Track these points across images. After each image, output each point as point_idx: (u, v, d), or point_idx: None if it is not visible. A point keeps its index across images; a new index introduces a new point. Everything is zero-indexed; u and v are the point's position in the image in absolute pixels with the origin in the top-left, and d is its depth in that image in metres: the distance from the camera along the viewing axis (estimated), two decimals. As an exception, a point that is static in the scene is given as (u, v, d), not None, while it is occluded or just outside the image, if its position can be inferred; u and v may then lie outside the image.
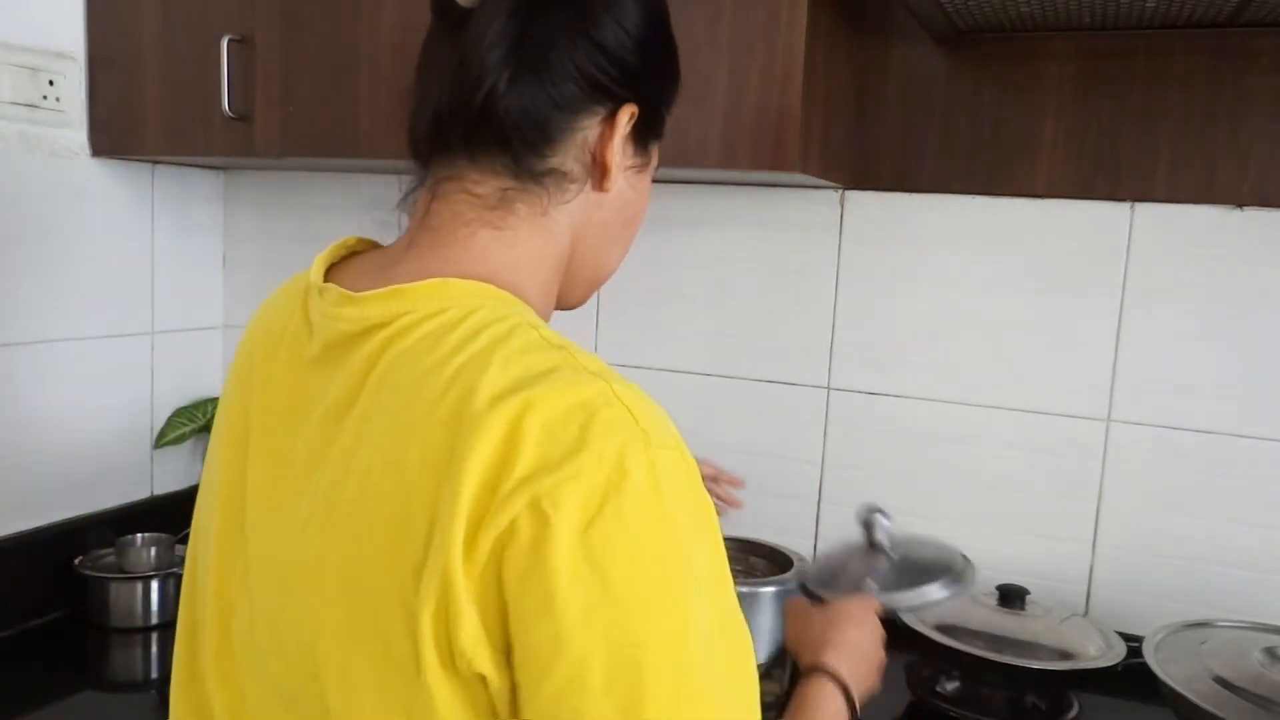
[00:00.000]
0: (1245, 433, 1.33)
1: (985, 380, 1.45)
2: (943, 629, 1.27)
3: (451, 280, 0.67)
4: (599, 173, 0.72)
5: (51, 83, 1.58)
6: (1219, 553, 1.35)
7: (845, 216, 1.50)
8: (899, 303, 1.48)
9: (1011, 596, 1.31)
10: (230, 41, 1.46)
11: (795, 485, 1.56)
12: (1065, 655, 1.23)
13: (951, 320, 1.46)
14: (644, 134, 0.75)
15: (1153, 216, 1.35)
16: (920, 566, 1.08)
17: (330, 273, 0.74)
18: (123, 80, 1.60)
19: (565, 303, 0.79)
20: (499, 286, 0.69)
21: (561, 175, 0.71)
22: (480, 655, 0.56)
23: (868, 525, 1.11)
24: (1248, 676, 1.09)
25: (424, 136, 0.73)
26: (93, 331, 1.66)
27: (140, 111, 1.58)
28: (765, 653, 1.25)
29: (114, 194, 1.69)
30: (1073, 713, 1.26)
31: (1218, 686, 1.09)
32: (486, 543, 0.55)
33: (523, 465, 0.55)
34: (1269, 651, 1.13)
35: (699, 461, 0.71)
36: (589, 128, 0.71)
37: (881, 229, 1.49)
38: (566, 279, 0.77)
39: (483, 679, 0.57)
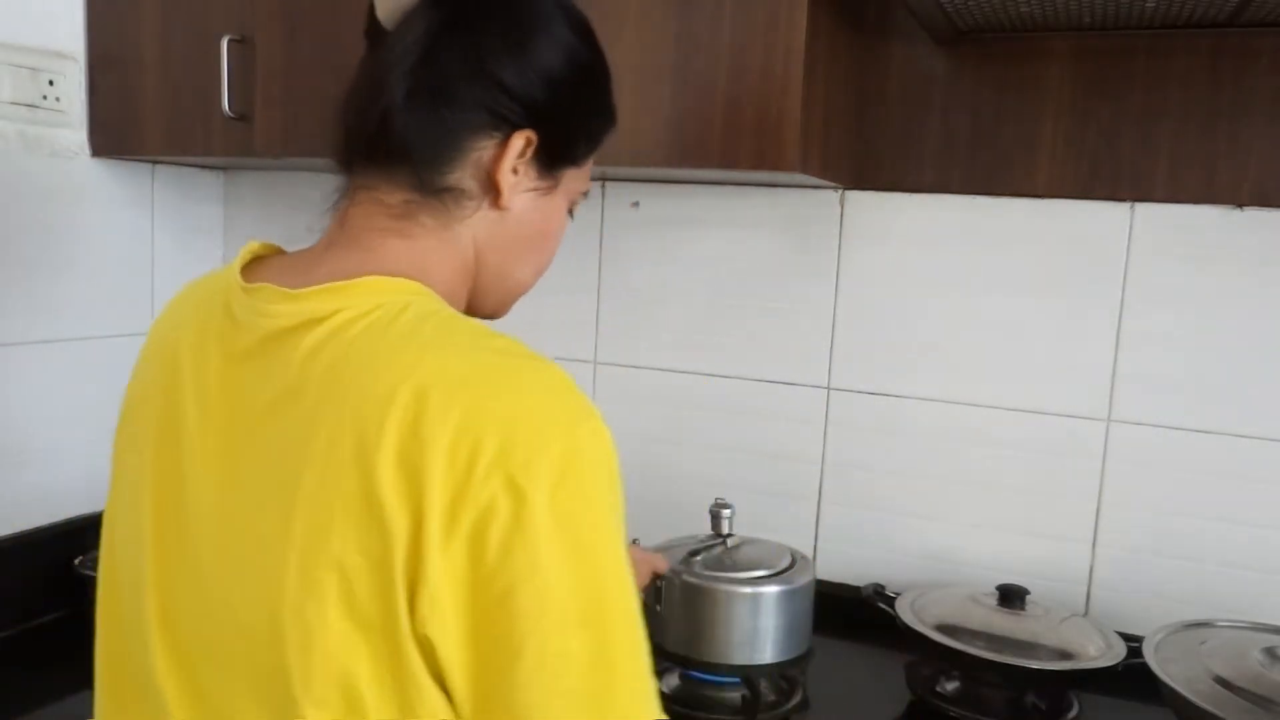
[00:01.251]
0: (1245, 433, 1.33)
1: (985, 380, 1.45)
2: (943, 629, 1.27)
3: (380, 279, 0.73)
4: (494, 192, 0.78)
5: (51, 83, 1.58)
6: (1219, 553, 1.35)
7: (845, 216, 1.50)
8: (899, 303, 1.48)
9: (1011, 596, 1.31)
10: (230, 41, 1.46)
11: (795, 485, 1.56)
12: (1065, 655, 1.23)
13: (951, 320, 1.46)
14: (549, 159, 0.80)
15: (1153, 216, 1.35)
16: (744, 560, 1.28)
17: (247, 276, 0.79)
18: (123, 80, 1.60)
19: (478, 311, 0.86)
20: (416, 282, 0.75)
21: (460, 192, 0.78)
22: (434, 620, 0.62)
23: (714, 516, 1.32)
24: (1248, 676, 1.09)
25: (342, 147, 0.80)
26: (93, 331, 1.66)
27: (140, 111, 1.58)
28: (770, 653, 1.25)
29: (114, 194, 1.69)
30: (1073, 713, 1.26)
31: (1218, 686, 1.09)
32: (466, 520, 0.62)
33: (491, 446, 0.62)
34: (1269, 651, 1.13)
35: None
36: (484, 149, 0.77)
37: (881, 229, 1.49)
38: (476, 289, 0.83)
39: (429, 641, 0.63)
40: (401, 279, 0.74)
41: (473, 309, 0.85)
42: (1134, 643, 1.22)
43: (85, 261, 1.63)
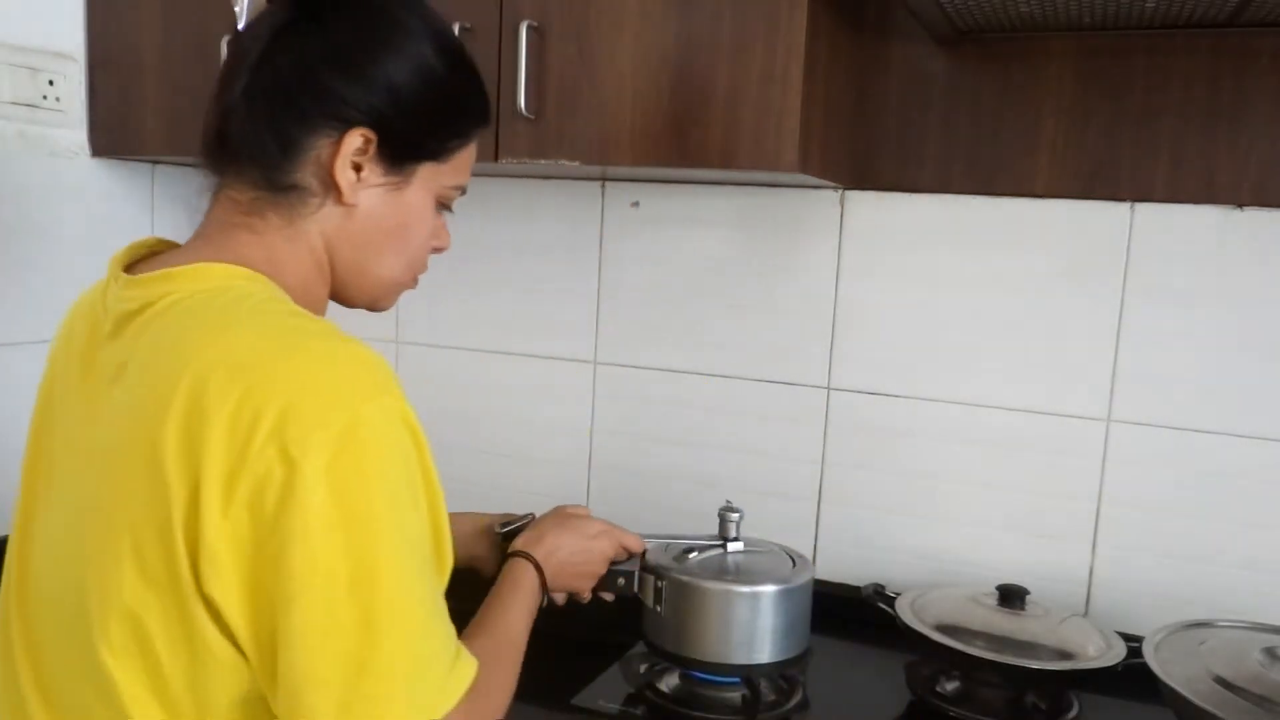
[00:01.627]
0: (1245, 433, 1.33)
1: (985, 380, 1.45)
2: (943, 629, 1.27)
3: (214, 264, 0.78)
4: (335, 189, 0.81)
5: (51, 83, 1.58)
6: (1219, 553, 1.35)
7: (845, 216, 1.50)
8: (899, 302, 1.48)
9: (1011, 596, 1.31)
10: (230, 42, 1.46)
11: (795, 485, 1.56)
12: (1065, 655, 1.23)
13: (951, 320, 1.46)
14: (395, 157, 0.83)
15: (1153, 216, 1.35)
16: (744, 560, 1.28)
17: (136, 268, 0.83)
18: (123, 80, 1.60)
19: (348, 303, 0.90)
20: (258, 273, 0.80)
21: (304, 189, 0.81)
22: (214, 580, 0.67)
23: (722, 519, 1.30)
24: (1248, 676, 1.09)
25: (201, 147, 0.85)
26: (93, 331, 1.66)
27: (140, 111, 1.58)
28: (770, 653, 1.25)
29: (114, 194, 1.69)
30: (1073, 713, 1.26)
31: (1218, 686, 1.09)
32: (244, 488, 0.66)
33: (270, 418, 0.66)
34: (1269, 651, 1.13)
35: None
36: (322, 147, 0.80)
37: (881, 229, 1.49)
38: (337, 281, 0.87)
39: (212, 599, 0.68)
40: (234, 266, 0.78)
41: (342, 302, 0.90)
42: (1134, 643, 1.22)
43: (85, 262, 1.62)
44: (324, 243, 0.84)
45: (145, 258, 0.85)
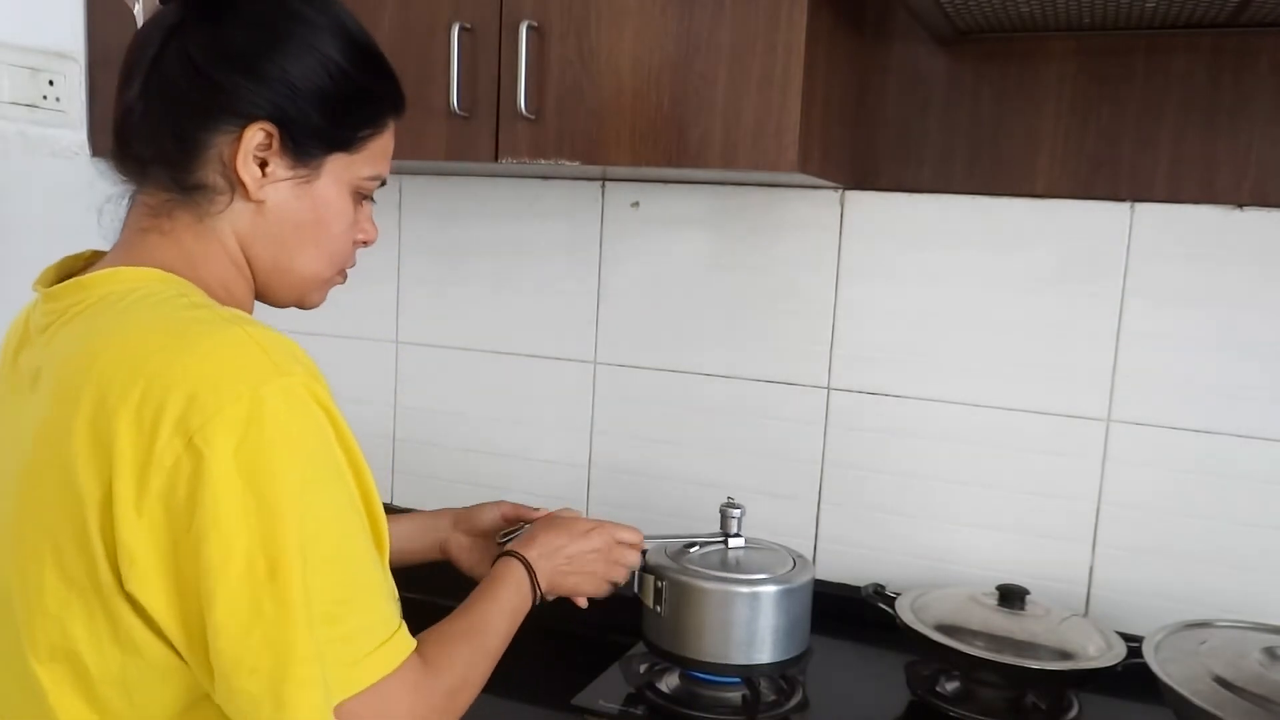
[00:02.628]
0: (1245, 433, 1.33)
1: (985, 380, 1.45)
2: (943, 629, 1.27)
3: (123, 269, 0.79)
4: (240, 185, 0.81)
5: (51, 83, 1.58)
6: (1219, 553, 1.35)
7: (845, 216, 1.50)
8: (899, 303, 1.48)
9: (1011, 596, 1.31)
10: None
11: (795, 485, 1.56)
12: (1065, 655, 1.23)
13: (951, 320, 1.46)
14: (301, 149, 0.82)
15: (1153, 216, 1.35)
16: (744, 560, 1.29)
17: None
18: (123, 80, 1.60)
19: (273, 302, 0.90)
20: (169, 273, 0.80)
21: (209, 188, 0.81)
22: (135, 578, 0.67)
23: (724, 515, 1.31)
24: (1248, 676, 1.09)
25: (110, 151, 0.85)
26: (93, 331, 1.66)
27: (140, 111, 1.58)
28: (770, 653, 1.25)
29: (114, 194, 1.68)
30: (1073, 713, 1.26)
31: (1218, 686, 1.09)
32: (156, 483, 0.67)
33: (174, 410, 0.67)
34: (1269, 651, 1.13)
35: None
36: (223, 145, 0.80)
37: (882, 229, 1.48)
38: (258, 280, 0.87)
39: (135, 598, 0.68)
40: (146, 269, 0.79)
41: (269, 301, 0.89)
42: (1134, 643, 1.22)
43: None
44: (238, 241, 0.83)
45: (80, 270, 0.85)
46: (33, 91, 1.56)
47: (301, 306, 0.91)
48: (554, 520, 1.14)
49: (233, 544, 0.67)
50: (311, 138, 0.82)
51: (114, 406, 0.68)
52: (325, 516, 0.71)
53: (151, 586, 0.68)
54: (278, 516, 0.68)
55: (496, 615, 0.96)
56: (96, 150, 1.64)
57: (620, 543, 1.15)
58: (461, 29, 1.33)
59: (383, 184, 0.91)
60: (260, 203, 0.82)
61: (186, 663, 0.70)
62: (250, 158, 0.80)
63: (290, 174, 0.82)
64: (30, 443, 0.73)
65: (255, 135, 0.80)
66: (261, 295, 0.88)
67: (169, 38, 0.80)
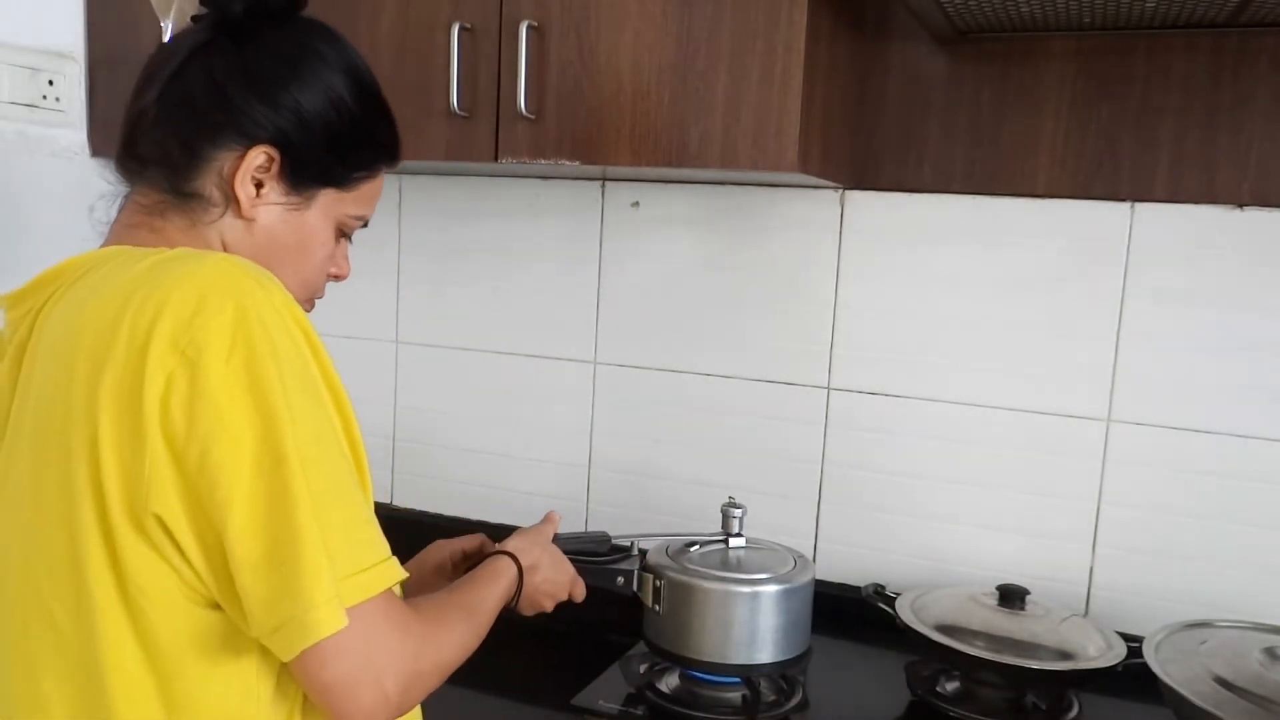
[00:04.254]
0: (1245, 433, 1.33)
1: (985, 380, 1.45)
2: (943, 629, 1.27)
3: (102, 249, 0.83)
4: (235, 201, 0.84)
5: (51, 83, 1.58)
6: (1219, 553, 1.35)
7: (845, 216, 1.50)
8: (899, 302, 1.48)
9: (1011, 596, 1.31)
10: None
11: (795, 485, 1.56)
12: (1065, 655, 1.23)
13: (951, 320, 1.46)
14: (296, 179, 0.86)
15: (1153, 216, 1.35)
16: (744, 560, 1.29)
17: None
18: (123, 80, 1.58)
19: None
20: None
21: (204, 198, 0.84)
22: (157, 498, 0.69)
23: (725, 515, 1.32)
24: (1248, 676, 1.09)
25: (116, 153, 0.88)
26: (93, 331, 1.66)
27: (140, 111, 1.58)
28: (770, 653, 1.25)
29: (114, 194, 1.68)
30: (1073, 713, 1.26)
31: (1218, 686, 1.09)
32: (153, 398, 0.69)
33: (162, 329, 0.70)
34: (1269, 651, 1.13)
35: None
36: (225, 160, 0.83)
37: (881, 229, 1.48)
38: None
39: (160, 521, 0.70)
40: (123, 247, 0.82)
41: None
42: (1134, 643, 1.22)
43: (85, 261, 1.62)
44: (224, 249, 0.85)
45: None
46: (33, 91, 1.56)
47: None
48: (542, 540, 1.14)
49: (240, 444, 0.69)
50: (310, 168, 0.86)
51: (105, 343, 0.71)
52: (310, 428, 0.72)
53: (169, 504, 0.70)
54: (275, 417, 0.70)
55: (490, 604, 0.97)
56: (96, 150, 1.64)
57: (574, 585, 1.15)
58: (461, 29, 1.33)
59: (364, 225, 0.94)
60: (251, 220, 0.85)
61: (204, 582, 0.72)
62: (249, 177, 0.83)
63: (283, 199, 0.86)
64: (32, 411, 0.76)
65: (258, 157, 0.83)
66: None
67: (195, 54, 0.84)
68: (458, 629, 0.87)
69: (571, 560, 1.15)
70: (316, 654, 0.70)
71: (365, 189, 0.91)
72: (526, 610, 1.09)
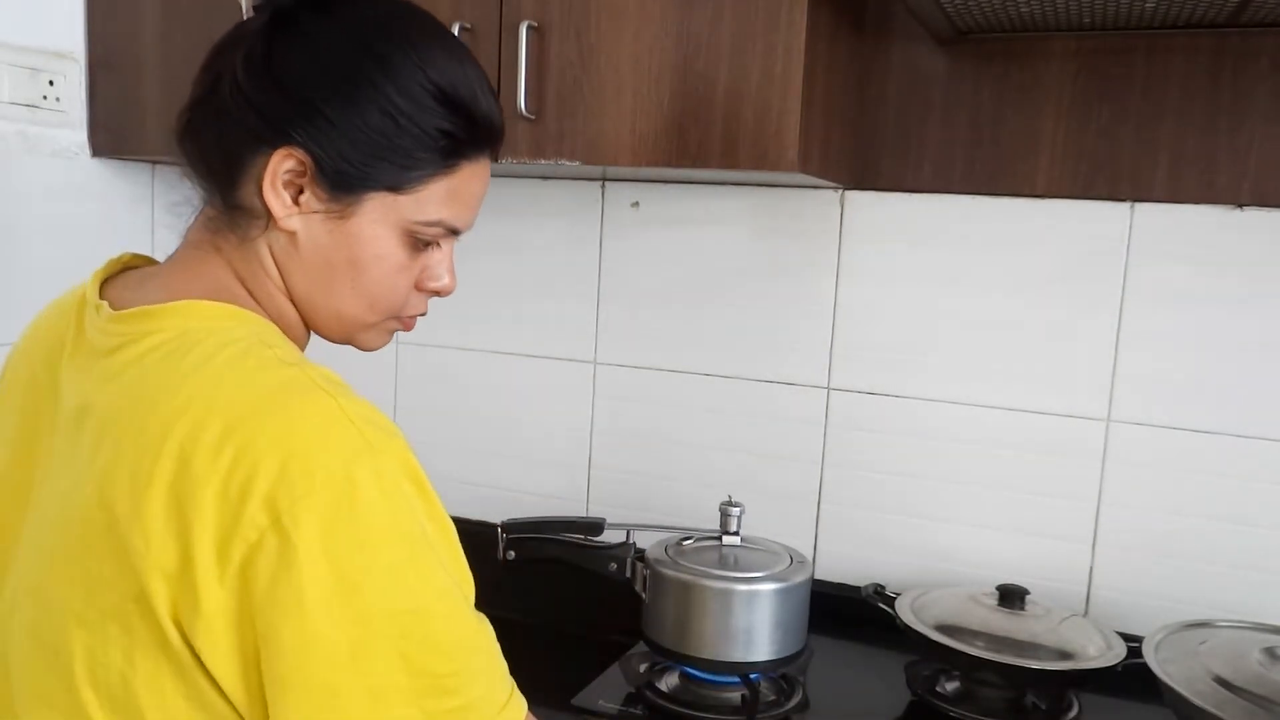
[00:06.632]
0: (1245, 433, 1.33)
1: (985, 380, 1.45)
2: (943, 629, 1.27)
3: (198, 302, 0.74)
4: (270, 211, 0.77)
5: (51, 83, 1.58)
6: (1219, 553, 1.35)
7: (845, 216, 1.50)
8: (899, 303, 1.48)
9: (1011, 596, 1.31)
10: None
11: (795, 485, 1.56)
12: (1065, 655, 1.23)
13: (951, 320, 1.46)
14: (336, 183, 0.77)
15: (1153, 216, 1.35)
16: (742, 558, 1.30)
17: (106, 287, 0.81)
18: (123, 80, 1.60)
19: (321, 334, 0.85)
20: (240, 305, 0.77)
21: (248, 210, 0.78)
22: (207, 647, 0.64)
23: (724, 514, 1.33)
24: (1248, 676, 1.09)
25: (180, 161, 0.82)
26: (93, 331, 1.66)
27: (140, 112, 1.58)
28: (768, 650, 1.25)
29: (114, 194, 1.69)
30: (1073, 713, 1.26)
31: (1218, 686, 1.09)
32: (238, 555, 0.63)
33: (261, 486, 0.63)
34: (1269, 651, 1.13)
35: None
36: (261, 166, 0.76)
37: (881, 229, 1.48)
38: (303, 310, 0.82)
39: (204, 665, 0.65)
40: (218, 304, 0.75)
41: (316, 333, 0.85)
42: (1134, 643, 1.22)
43: (85, 262, 1.62)
44: (277, 266, 0.79)
45: (119, 273, 0.83)
46: (33, 91, 1.56)
47: (355, 346, 0.87)
48: None
49: (315, 630, 0.63)
50: (346, 172, 0.77)
51: (200, 473, 0.64)
52: (422, 594, 0.67)
53: (220, 653, 0.65)
54: (365, 607, 0.64)
55: None
56: (96, 150, 1.64)
57: None
58: (461, 29, 1.33)
59: (452, 232, 0.84)
60: (291, 233, 0.78)
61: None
62: (278, 183, 0.76)
63: (322, 207, 0.77)
64: (79, 487, 0.69)
65: (284, 161, 0.75)
66: (307, 327, 0.84)
67: (238, 48, 0.78)
68: None
69: (565, 541, 1.15)
70: None
71: (435, 189, 0.80)
72: None
